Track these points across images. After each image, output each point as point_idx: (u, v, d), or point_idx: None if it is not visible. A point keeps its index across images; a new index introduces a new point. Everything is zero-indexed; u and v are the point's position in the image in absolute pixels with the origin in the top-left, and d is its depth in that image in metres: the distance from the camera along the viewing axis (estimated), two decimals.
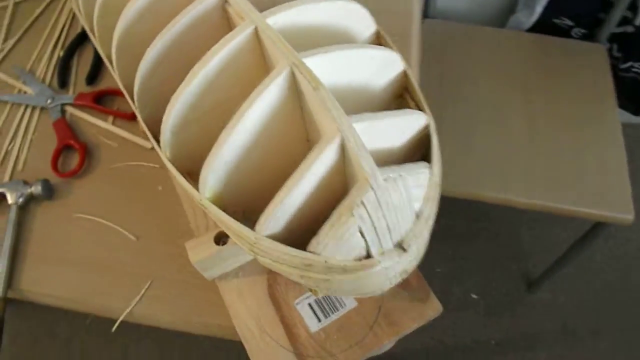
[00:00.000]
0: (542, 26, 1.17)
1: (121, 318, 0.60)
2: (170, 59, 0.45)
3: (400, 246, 0.40)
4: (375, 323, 0.55)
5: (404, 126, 0.41)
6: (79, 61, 0.78)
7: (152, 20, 0.47)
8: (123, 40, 0.48)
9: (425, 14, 1.20)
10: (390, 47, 0.48)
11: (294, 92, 0.39)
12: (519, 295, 1.37)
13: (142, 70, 0.44)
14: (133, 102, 0.50)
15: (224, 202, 0.43)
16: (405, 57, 0.72)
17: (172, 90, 0.42)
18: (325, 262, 0.39)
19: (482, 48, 1.17)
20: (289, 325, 0.55)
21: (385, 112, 0.39)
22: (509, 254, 1.42)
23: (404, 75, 0.47)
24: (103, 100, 0.74)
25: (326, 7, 0.43)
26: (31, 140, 0.72)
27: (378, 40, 0.50)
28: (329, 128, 0.36)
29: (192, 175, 0.47)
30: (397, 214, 0.39)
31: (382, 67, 0.44)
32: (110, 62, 0.54)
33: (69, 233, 0.65)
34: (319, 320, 0.56)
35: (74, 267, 0.63)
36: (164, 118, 0.41)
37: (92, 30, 0.63)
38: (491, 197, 1.01)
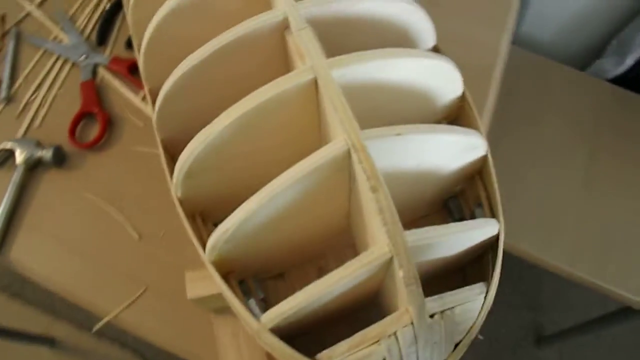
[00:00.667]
0: (628, 80, 1.05)
1: (105, 320, 0.56)
2: (203, 80, 0.37)
3: None
4: None
5: (472, 237, 0.34)
6: (123, 20, 0.70)
7: (192, 23, 0.39)
8: (153, 42, 0.40)
9: (515, 41, 1.09)
10: (476, 122, 0.39)
11: (346, 174, 0.32)
12: (526, 346, 1.30)
13: (168, 88, 0.37)
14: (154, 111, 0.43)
15: (228, 267, 0.36)
16: (482, 90, 0.64)
17: (199, 119, 0.35)
18: None
19: (555, 88, 1.06)
20: None
21: (452, 226, 0.31)
22: (526, 302, 1.34)
23: (484, 160, 0.39)
24: (138, 72, 0.67)
25: (414, 65, 0.35)
26: (55, 97, 0.66)
27: (461, 103, 0.42)
28: (379, 239, 0.29)
29: (203, 216, 0.41)
30: (433, 350, 0.32)
31: (462, 151, 0.36)
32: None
33: (71, 211, 0.60)
34: None
35: (68, 249, 0.58)
36: (182, 157, 0.34)
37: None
38: (528, 253, 0.93)
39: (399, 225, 0.29)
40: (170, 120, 0.40)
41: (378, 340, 0.30)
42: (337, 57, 0.33)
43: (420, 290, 0.29)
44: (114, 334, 1.23)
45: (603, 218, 0.94)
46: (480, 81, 0.65)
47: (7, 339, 1.11)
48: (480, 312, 0.33)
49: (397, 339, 0.30)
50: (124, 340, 1.24)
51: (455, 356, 0.34)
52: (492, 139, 0.97)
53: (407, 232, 0.29)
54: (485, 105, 0.64)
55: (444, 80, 0.38)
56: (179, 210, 0.38)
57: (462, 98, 0.42)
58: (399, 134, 0.31)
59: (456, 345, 0.34)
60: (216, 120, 0.33)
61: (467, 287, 0.33)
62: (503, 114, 1.02)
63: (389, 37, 0.38)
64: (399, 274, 0.28)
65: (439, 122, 0.42)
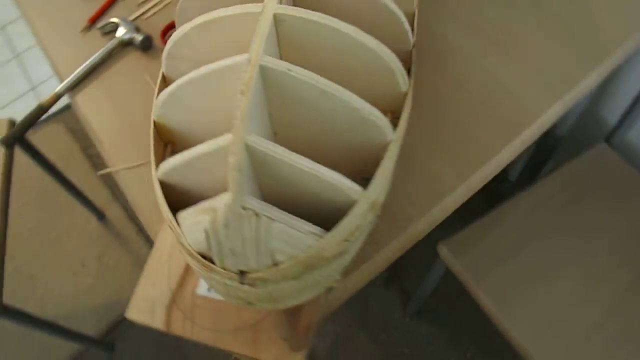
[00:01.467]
0: None
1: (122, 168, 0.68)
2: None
3: (243, 275, 0.40)
4: (242, 329, 0.55)
5: (324, 187, 0.39)
6: None
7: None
8: None
9: (608, 137, 1.05)
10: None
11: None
12: None
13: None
14: None
15: (168, 136, 0.45)
16: (502, 138, 0.65)
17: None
18: (178, 237, 0.41)
19: (631, 201, 0.99)
20: (187, 276, 0.58)
21: (305, 161, 0.37)
22: None
23: (386, 146, 0.43)
24: None
25: (354, 41, 0.41)
26: (168, 4, 0.81)
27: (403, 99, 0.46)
28: (233, 132, 0.36)
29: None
30: (244, 245, 0.38)
31: (361, 123, 0.41)
32: None
33: (133, 87, 0.74)
34: (209, 290, 0.57)
35: (118, 114, 0.72)
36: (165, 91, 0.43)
37: None
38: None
39: (246, 123, 0.35)
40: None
41: (206, 212, 0.37)
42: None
43: (242, 179, 0.35)
44: None
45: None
46: (504, 131, 0.67)
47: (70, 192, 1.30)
48: (308, 251, 0.38)
49: (215, 214, 0.37)
50: None
51: (274, 274, 0.39)
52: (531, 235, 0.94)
53: (254, 137, 0.36)
54: (498, 154, 0.66)
55: (380, 71, 0.43)
56: (151, 130, 0.47)
57: (404, 95, 0.46)
58: (289, 70, 0.37)
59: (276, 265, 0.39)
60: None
61: (304, 221, 0.38)
62: (567, 216, 0.99)
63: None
64: (230, 159, 0.35)
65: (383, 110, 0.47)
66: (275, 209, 0.37)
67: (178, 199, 0.45)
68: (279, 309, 0.46)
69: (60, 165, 1.20)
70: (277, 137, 0.44)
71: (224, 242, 0.38)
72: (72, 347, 1.27)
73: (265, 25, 0.38)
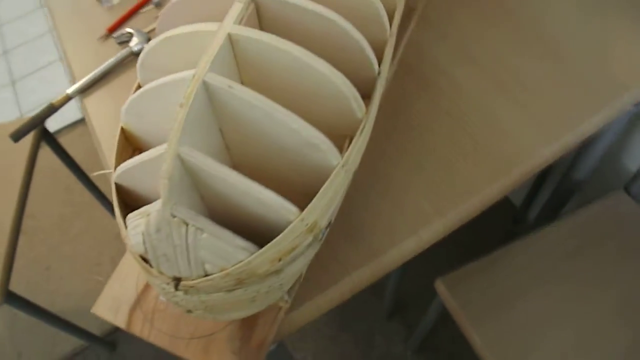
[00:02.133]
0: None
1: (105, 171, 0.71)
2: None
3: (178, 282, 0.41)
4: (196, 338, 0.56)
5: (257, 204, 0.40)
6: None
7: None
8: None
9: (627, 185, 1.01)
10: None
11: None
12: None
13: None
14: None
15: (135, 143, 0.47)
16: (487, 177, 0.64)
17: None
18: (124, 239, 0.42)
19: None
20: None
21: (237, 178, 0.38)
22: None
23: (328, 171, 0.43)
24: None
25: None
26: None
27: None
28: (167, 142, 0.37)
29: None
30: (175, 251, 0.39)
31: (305, 147, 0.41)
32: None
33: None
34: None
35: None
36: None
37: None
38: None
39: (180, 134, 0.36)
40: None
41: (143, 214, 0.38)
42: None
43: (171, 187, 0.36)
44: None
45: None
46: (493, 170, 0.65)
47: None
48: (237, 265, 0.39)
49: (148, 218, 0.38)
50: None
51: (204, 284, 0.40)
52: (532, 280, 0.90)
53: (187, 148, 0.37)
54: (481, 192, 0.64)
55: (332, 95, 0.43)
56: (117, 136, 0.48)
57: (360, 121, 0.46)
58: (230, 87, 0.38)
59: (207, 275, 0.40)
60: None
61: (235, 235, 0.39)
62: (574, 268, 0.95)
63: None
64: (162, 167, 0.36)
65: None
66: (207, 220, 0.38)
67: (134, 203, 0.47)
68: (220, 321, 0.46)
69: (85, 165, 1.25)
70: (230, 151, 0.45)
71: (157, 247, 0.39)
72: (77, 342, 1.31)
73: (217, 44, 0.40)
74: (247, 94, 0.38)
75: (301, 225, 0.40)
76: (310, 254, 0.44)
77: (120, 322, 0.57)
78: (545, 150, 0.66)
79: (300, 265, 0.43)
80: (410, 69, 0.75)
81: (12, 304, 0.98)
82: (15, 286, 1.37)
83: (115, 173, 0.44)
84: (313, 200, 0.41)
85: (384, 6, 0.50)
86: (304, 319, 0.59)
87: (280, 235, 0.40)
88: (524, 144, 0.67)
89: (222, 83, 0.37)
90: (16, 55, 1.95)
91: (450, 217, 0.63)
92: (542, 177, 1.28)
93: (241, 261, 0.39)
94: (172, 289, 0.41)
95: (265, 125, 0.40)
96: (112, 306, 0.58)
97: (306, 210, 0.40)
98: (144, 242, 0.40)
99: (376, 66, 0.48)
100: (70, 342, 1.31)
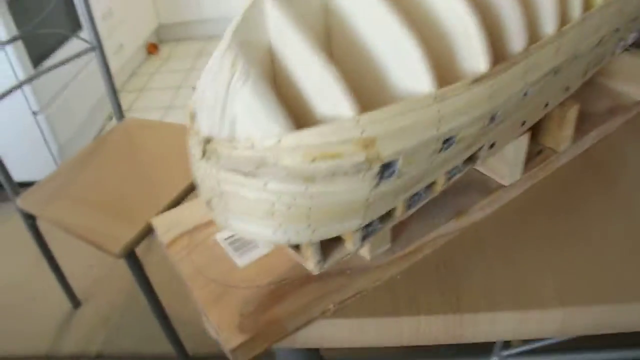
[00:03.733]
0: None
1: None
2: None
3: (207, 143, 0.36)
4: (218, 283, 0.49)
5: None
6: None
7: None
8: None
9: None
10: None
11: None
12: None
13: None
14: None
15: None
16: None
17: None
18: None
19: None
20: None
21: None
22: None
23: None
24: None
25: None
26: None
27: None
28: None
29: None
30: (216, 98, 0.35)
31: None
32: None
33: None
34: (225, 240, 0.53)
35: None
36: None
37: None
38: None
39: None
40: None
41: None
42: None
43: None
44: None
45: None
46: None
47: None
48: (263, 139, 0.33)
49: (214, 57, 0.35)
50: None
51: (232, 151, 0.35)
52: None
53: None
54: None
55: None
56: None
57: None
58: None
59: None
60: None
61: (280, 105, 0.33)
62: None
63: None
64: None
65: None
66: (260, 75, 0.33)
67: None
68: (233, 231, 0.39)
69: None
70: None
71: (205, 88, 0.36)
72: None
73: None
74: None
75: (353, 127, 0.32)
76: (356, 192, 0.35)
77: (165, 238, 0.54)
78: None
79: (336, 197, 0.35)
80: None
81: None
82: None
83: None
84: (381, 109, 0.33)
85: None
86: (341, 340, 0.47)
87: (322, 125, 0.32)
88: None
89: None
90: None
91: (576, 314, 0.45)
92: None
93: (274, 134, 0.33)
94: (200, 153, 0.37)
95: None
96: (168, 224, 0.56)
97: (366, 114, 0.32)
98: (199, 87, 0.37)
99: None
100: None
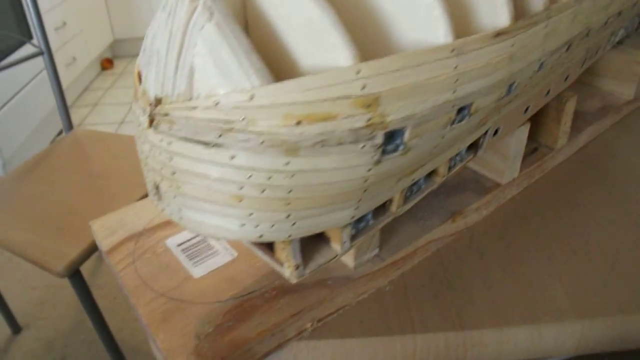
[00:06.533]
0: None
1: None
2: None
3: (157, 105, 0.27)
4: (168, 297, 0.39)
5: None
6: None
7: None
8: None
9: None
10: None
11: None
12: None
13: None
14: None
15: None
16: None
17: None
18: None
19: None
20: (169, 225, 0.46)
21: None
22: None
23: None
24: None
25: None
26: None
27: None
28: None
29: None
30: (169, 46, 0.26)
31: None
32: None
33: None
34: (177, 247, 0.44)
35: None
36: None
37: None
38: None
39: None
40: None
41: None
42: None
43: None
44: None
45: None
46: None
47: None
48: (232, 94, 0.24)
49: None
50: None
51: (183, 113, 0.26)
52: None
53: None
54: None
55: None
56: None
57: None
58: None
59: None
60: None
61: (254, 52, 0.25)
62: None
63: None
64: None
65: None
66: (230, 14, 0.25)
67: None
68: (186, 225, 0.30)
69: None
70: None
71: (154, 36, 0.28)
72: None
73: None
74: None
75: (352, 80, 0.25)
76: (351, 169, 0.27)
77: (105, 244, 0.44)
78: None
79: (326, 176, 0.27)
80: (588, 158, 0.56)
81: None
82: None
83: None
84: (388, 57, 0.25)
85: None
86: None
87: (310, 76, 0.25)
88: None
89: None
90: None
91: (596, 327, 0.39)
92: None
93: (244, 89, 0.25)
94: (147, 121, 0.28)
95: None
96: (110, 227, 0.46)
97: (368, 63, 0.25)
98: (146, 38, 0.29)
99: None
100: None
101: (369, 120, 0.25)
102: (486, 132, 0.39)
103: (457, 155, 0.37)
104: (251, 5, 0.28)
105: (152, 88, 0.28)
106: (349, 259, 0.39)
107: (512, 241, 0.45)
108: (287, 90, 0.24)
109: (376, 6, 0.29)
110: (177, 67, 0.26)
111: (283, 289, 0.38)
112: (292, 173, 0.26)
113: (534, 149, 0.54)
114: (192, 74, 0.26)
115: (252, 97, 0.25)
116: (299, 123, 0.25)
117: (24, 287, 1.37)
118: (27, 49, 1.17)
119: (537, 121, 0.53)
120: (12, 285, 1.24)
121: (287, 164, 0.26)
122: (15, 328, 1.27)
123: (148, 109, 0.28)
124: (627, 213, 0.48)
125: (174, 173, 0.28)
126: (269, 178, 0.26)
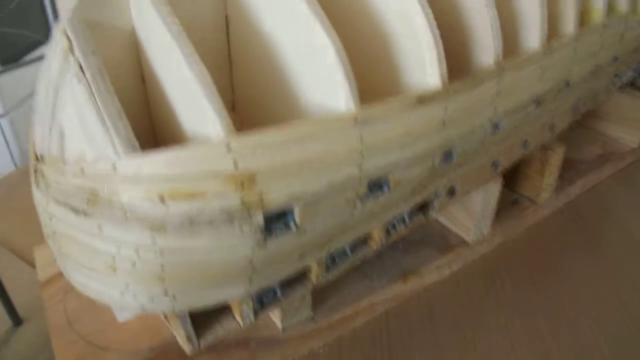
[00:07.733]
0: None
1: None
2: None
3: (39, 161, 0.26)
4: (89, 342, 0.38)
5: None
6: None
7: None
8: None
9: None
10: None
11: None
12: None
13: None
14: None
15: None
16: None
17: None
18: None
19: None
20: None
21: None
22: None
23: None
24: None
25: None
26: None
27: None
28: None
29: None
30: (47, 99, 0.24)
31: None
32: None
33: None
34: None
35: None
36: None
37: None
38: None
39: None
40: None
41: None
42: None
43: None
44: None
45: None
46: None
47: None
48: (96, 162, 0.22)
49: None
50: None
51: (55, 176, 0.24)
52: None
53: None
54: None
55: None
56: None
57: None
58: None
59: None
60: None
61: (124, 117, 0.23)
62: None
63: None
64: None
65: None
66: (101, 72, 0.23)
67: None
68: (75, 285, 0.28)
69: None
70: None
71: (40, 88, 0.26)
72: None
73: None
74: None
75: (222, 155, 0.22)
76: (231, 250, 0.24)
77: (43, 275, 0.43)
78: None
79: (201, 255, 0.24)
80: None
81: None
82: None
83: None
84: (266, 130, 0.23)
85: None
86: None
87: (176, 148, 0.22)
88: None
89: None
90: None
91: None
92: None
93: (108, 157, 0.22)
94: (33, 176, 0.26)
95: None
96: (50, 256, 0.45)
97: (242, 136, 0.22)
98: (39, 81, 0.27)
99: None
100: None
101: (243, 200, 0.23)
102: (435, 192, 0.36)
103: (395, 218, 0.34)
104: (144, 56, 0.26)
105: (38, 142, 0.26)
106: (276, 318, 0.37)
107: (472, 310, 0.42)
108: (150, 162, 0.22)
109: (279, 65, 0.26)
110: (51, 128, 0.24)
111: (203, 348, 0.35)
112: (160, 250, 0.24)
113: (513, 200, 0.50)
114: (63, 136, 0.24)
115: (113, 167, 0.22)
116: (162, 199, 0.22)
117: (27, 280, 1.40)
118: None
119: (519, 171, 0.49)
120: (15, 278, 1.26)
121: (154, 240, 0.23)
122: (17, 320, 1.29)
123: (34, 163, 0.26)
124: (615, 291, 0.43)
125: (54, 233, 0.26)
126: (137, 253, 0.24)
